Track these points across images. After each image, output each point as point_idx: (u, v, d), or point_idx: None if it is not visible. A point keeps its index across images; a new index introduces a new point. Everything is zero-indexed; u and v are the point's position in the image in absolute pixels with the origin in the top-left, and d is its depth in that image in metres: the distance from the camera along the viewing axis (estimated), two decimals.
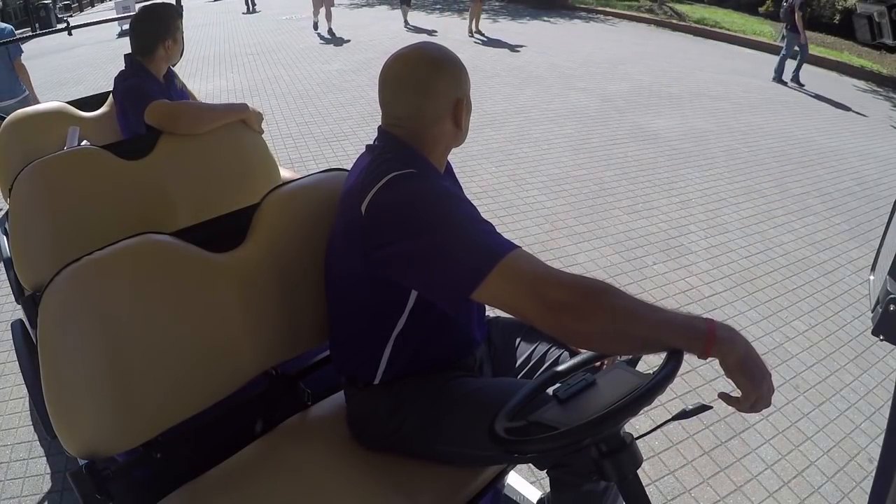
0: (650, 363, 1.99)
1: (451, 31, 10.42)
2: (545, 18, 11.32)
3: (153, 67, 2.18)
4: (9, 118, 2.17)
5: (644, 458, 1.12)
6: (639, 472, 0.97)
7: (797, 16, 7.73)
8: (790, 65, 7.95)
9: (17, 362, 2.12)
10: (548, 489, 1.41)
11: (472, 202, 1.24)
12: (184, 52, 2.30)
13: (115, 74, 2.20)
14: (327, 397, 1.47)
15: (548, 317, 0.94)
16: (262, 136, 2.20)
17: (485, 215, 1.14)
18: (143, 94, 2.01)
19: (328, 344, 1.40)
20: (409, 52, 1.21)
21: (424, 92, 1.17)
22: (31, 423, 2.21)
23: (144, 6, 2.23)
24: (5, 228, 1.93)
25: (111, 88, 2.54)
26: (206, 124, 2.00)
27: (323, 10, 10.31)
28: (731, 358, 0.90)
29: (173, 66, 2.32)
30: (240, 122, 2.12)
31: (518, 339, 1.46)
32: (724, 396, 0.96)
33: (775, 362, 2.60)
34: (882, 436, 0.81)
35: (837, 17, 11.15)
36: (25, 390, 2.17)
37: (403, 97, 1.19)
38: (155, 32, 2.13)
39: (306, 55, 8.61)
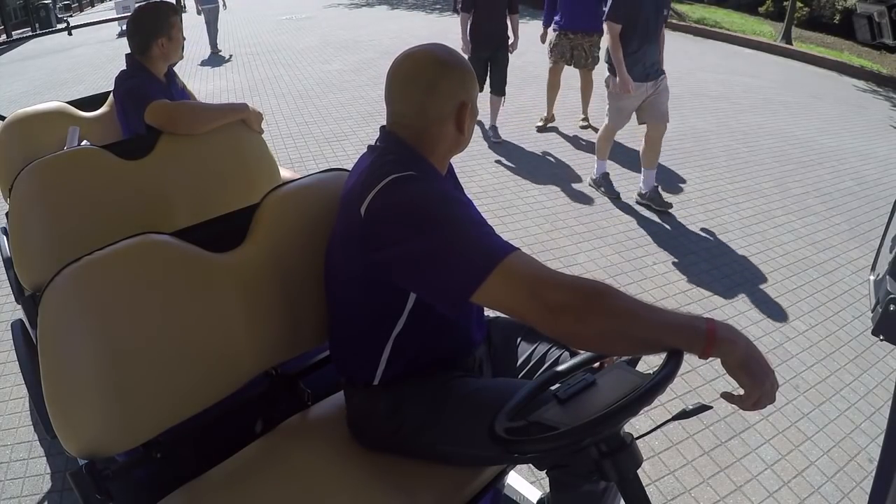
0: (650, 363, 1.99)
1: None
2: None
3: (152, 67, 2.17)
4: (9, 118, 2.17)
5: (644, 458, 1.12)
6: (639, 472, 0.97)
7: None
8: None
9: (17, 362, 2.12)
10: (548, 489, 1.41)
11: (473, 202, 1.24)
12: (184, 50, 2.29)
13: (116, 74, 2.20)
14: (327, 397, 1.47)
15: (548, 319, 0.94)
16: (262, 136, 2.20)
17: (485, 215, 1.14)
18: (143, 94, 2.00)
19: (328, 344, 1.40)
20: (418, 52, 1.21)
21: (429, 90, 1.18)
22: (31, 423, 2.21)
23: (140, 5, 2.22)
24: (5, 228, 1.94)
25: (111, 88, 2.54)
26: (205, 124, 2.00)
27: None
28: (733, 357, 0.90)
29: (173, 65, 2.32)
30: (240, 122, 2.12)
31: (518, 340, 1.46)
32: (727, 396, 0.96)
33: (775, 362, 2.59)
34: (882, 436, 0.81)
35: (837, 17, 11.15)
36: (25, 390, 2.16)
37: (409, 94, 1.20)
38: (148, 31, 2.12)
39: (306, 55, 8.61)
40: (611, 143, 4.08)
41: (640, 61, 3.64)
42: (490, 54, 4.94)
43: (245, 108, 2.10)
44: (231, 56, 9.03)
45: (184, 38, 2.22)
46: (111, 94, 2.49)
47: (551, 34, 5.14)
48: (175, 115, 1.96)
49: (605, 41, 3.77)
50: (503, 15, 4.88)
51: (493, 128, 5.23)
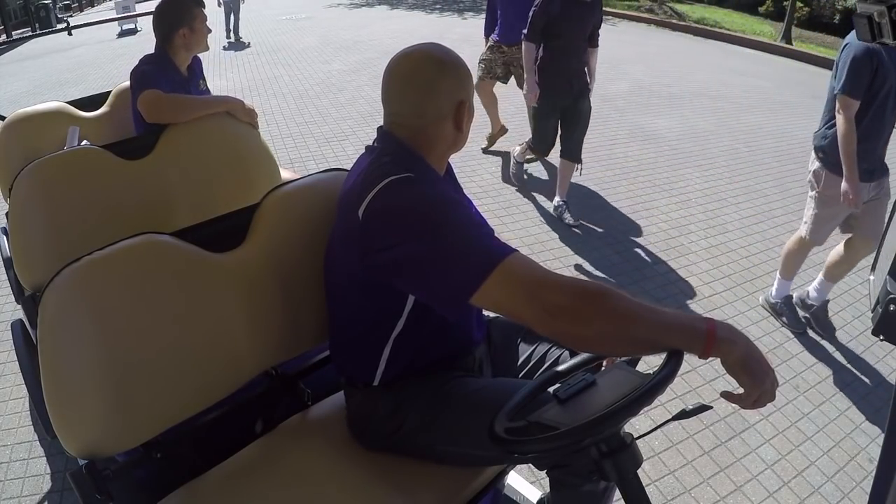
0: (650, 363, 1.99)
1: None
2: None
3: (175, 57, 2.21)
4: (9, 118, 2.17)
5: (644, 458, 1.12)
6: (639, 472, 0.97)
7: None
8: None
9: (17, 362, 2.12)
10: (548, 489, 1.41)
11: (473, 202, 1.24)
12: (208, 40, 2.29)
13: (117, 73, 2.21)
14: (327, 397, 1.47)
15: (547, 321, 0.94)
16: (262, 136, 2.21)
17: (485, 215, 1.14)
18: (147, 81, 2.04)
19: (328, 344, 1.40)
20: (415, 51, 1.21)
21: (428, 90, 1.17)
22: (31, 423, 2.21)
23: None
24: (5, 228, 1.94)
25: (111, 88, 2.55)
26: (187, 114, 2.02)
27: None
28: (732, 357, 0.91)
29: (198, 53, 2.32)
30: (240, 122, 2.12)
31: (518, 339, 1.46)
32: (727, 395, 0.96)
33: (775, 362, 2.59)
34: (882, 436, 0.81)
35: (837, 17, 11.17)
36: (25, 390, 2.17)
37: (407, 94, 1.20)
38: (171, 22, 2.15)
39: (306, 55, 8.61)
40: (803, 260, 2.86)
41: (867, 153, 2.47)
42: (569, 102, 3.54)
43: (232, 99, 2.12)
44: (250, 43, 9.61)
45: (209, 31, 2.25)
46: (111, 93, 2.50)
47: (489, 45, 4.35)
48: (158, 105, 1.99)
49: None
50: (586, 48, 3.54)
51: (564, 204, 3.77)
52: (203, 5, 2.23)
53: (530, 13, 3.38)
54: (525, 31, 3.43)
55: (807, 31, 11.17)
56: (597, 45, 3.59)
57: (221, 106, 2.10)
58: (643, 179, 4.49)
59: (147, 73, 2.07)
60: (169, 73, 2.17)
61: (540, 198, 4.12)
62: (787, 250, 2.84)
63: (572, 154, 3.66)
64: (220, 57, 8.55)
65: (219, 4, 9.95)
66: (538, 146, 3.77)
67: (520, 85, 4.28)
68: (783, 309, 2.88)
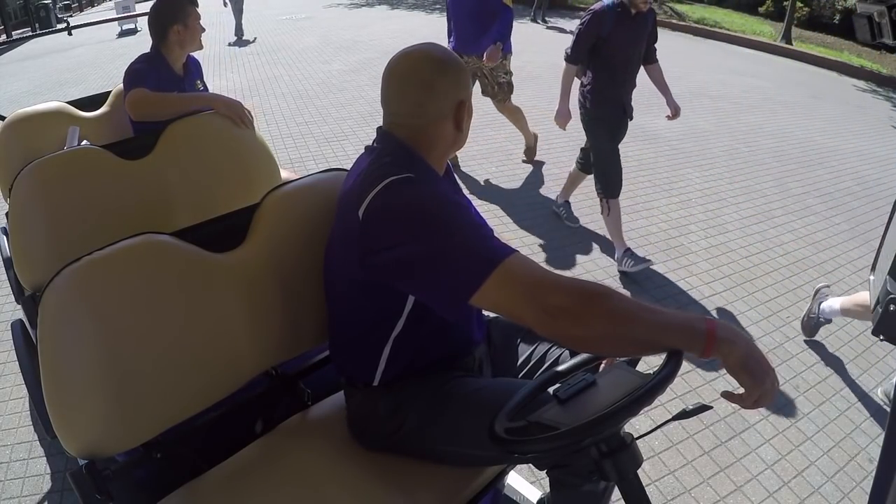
0: (650, 363, 1.99)
1: None
2: (545, 19, 11.33)
3: (169, 55, 2.23)
4: (9, 118, 2.17)
5: (644, 458, 1.12)
6: (639, 472, 0.97)
7: None
8: None
9: (17, 362, 2.12)
10: (548, 489, 1.41)
11: (472, 202, 1.24)
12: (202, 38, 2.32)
13: (116, 74, 2.22)
14: (327, 397, 1.47)
15: (547, 322, 0.94)
16: (263, 136, 2.21)
17: (485, 215, 1.14)
18: (134, 79, 2.07)
19: (328, 344, 1.40)
20: (414, 51, 1.21)
21: (428, 90, 1.17)
22: (31, 423, 2.21)
23: None
24: (5, 228, 1.94)
25: (111, 88, 2.55)
26: (169, 111, 2.04)
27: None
28: (732, 357, 0.91)
29: (192, 52, 2.34)
30: (240, 122, 2.12)
31: (518, 339, 1.46)
32: (728, 394, 0.96)
33: (775, 362, 2.59)
34: (882, 436, 0.81)
35: (837, 17, 11.16)
36: (25, 390, 2.16)
37: (406, 94, 1.20)
38: (165, 19, 2.17)
39: (306, 55, 8.60)
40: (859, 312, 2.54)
41: None
42: (622, 129, 3.21)
43: (223, 99, 2.12)
44: (256, 38, 9.93)
45: (203, 29, 2.27)
46: (111, 93, 2.50)
47: None
48: (141, 103, 2.01)
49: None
50: (639, 67, 3.17)
51: (565, 204, 3.77)
52: (196, 4, 2.26)
53: (575, 31, 3.07)
54: (568, 50, 3.11)
55: (807, 31, 11.16)
56: (655, 61, 3.23)
57: (205, 102, 2.10)
58: (643, 179, 4.49)
59: (136, 71, 2.10)
60: (161, 70, 2.18)
61: (540, 198, 4.12)
62: (858, 302, 2.51)
63: (590, 170, 3.39)
64: (220, 57, 8.56)
65: (224, 4, 10.07)
66: (613, 190, 3.16)
67: (485, 93, 4.17)
68: (815, 324, 2.71)
